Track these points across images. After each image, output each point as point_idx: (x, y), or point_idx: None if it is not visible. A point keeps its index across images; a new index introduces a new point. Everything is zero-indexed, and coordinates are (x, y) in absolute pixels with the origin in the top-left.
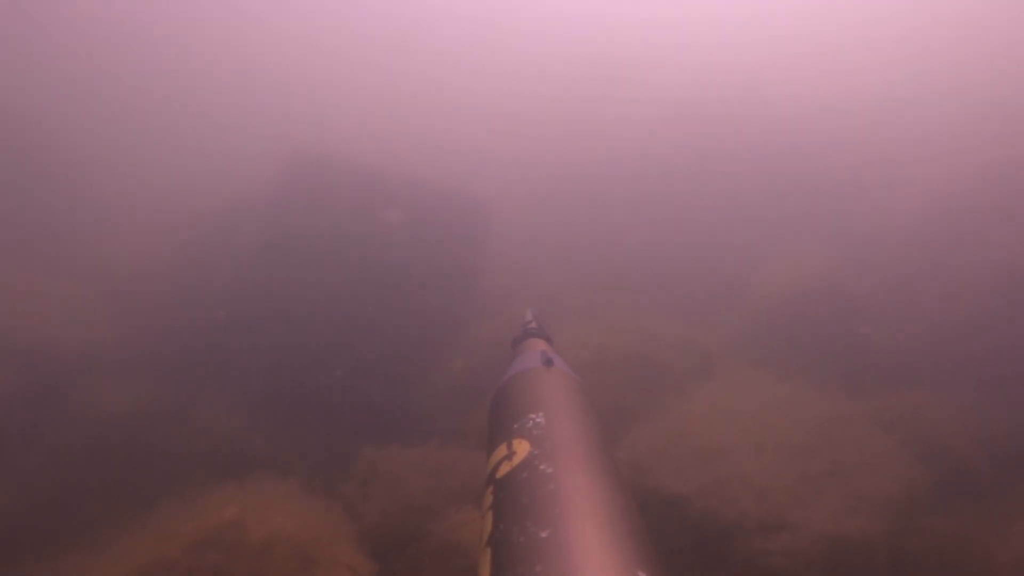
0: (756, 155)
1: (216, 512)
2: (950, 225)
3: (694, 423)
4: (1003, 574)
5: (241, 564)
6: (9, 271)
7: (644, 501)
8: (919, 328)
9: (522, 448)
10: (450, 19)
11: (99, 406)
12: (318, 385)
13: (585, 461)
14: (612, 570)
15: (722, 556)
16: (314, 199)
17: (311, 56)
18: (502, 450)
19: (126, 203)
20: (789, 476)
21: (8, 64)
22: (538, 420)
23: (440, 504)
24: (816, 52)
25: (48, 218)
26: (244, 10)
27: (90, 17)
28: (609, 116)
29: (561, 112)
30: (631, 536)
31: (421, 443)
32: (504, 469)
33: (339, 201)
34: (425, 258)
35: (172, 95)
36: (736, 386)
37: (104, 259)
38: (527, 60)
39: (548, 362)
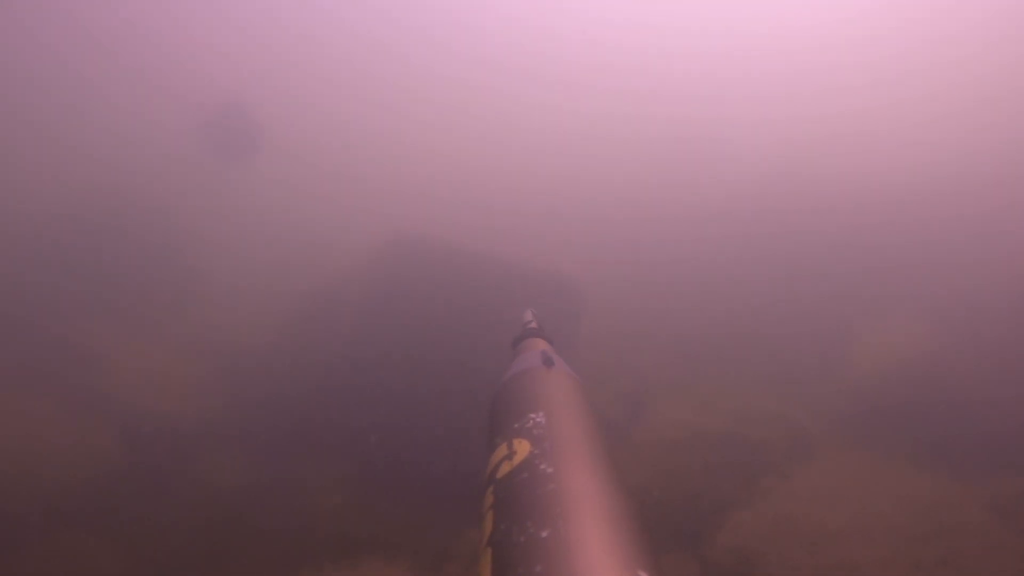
0: (852, 225)
1: None
2: None
3: (798, 507)
4: None
5: None
6: (128, 348)
7: None
8: None
9: (522, 448)
10: (543, 109)
11: (210, 481)
12: (419, 463)
13: (586, 461)
14: (613, 570)
15: None
16: (413, 277)
17: (416, 133)
18: (502, 450)
19: (233, 279)
20: (903, 565)
21: (128, 144)
22: (539, 420)
23: None
24: (914, 118)
25: (161, 295)
26: (346, 84)
27: (198, 102)
28: (699, 183)
29: (647, 180)
30: (632, 536)
31: None
32: (504, 469)
33: (437, 279)
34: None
35: (279, 175)
36: (838, 467)
37: (214, 334)
38: (618, 139)
39: (548, 362)
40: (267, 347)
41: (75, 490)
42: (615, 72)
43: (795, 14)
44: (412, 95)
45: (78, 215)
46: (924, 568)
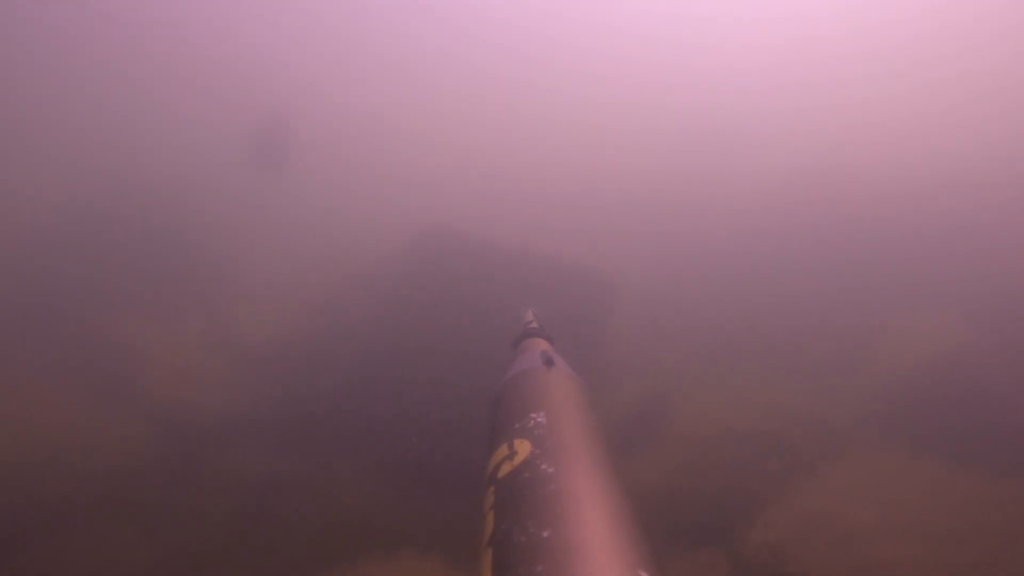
0: (883, 218)
1: None
2: None
3: (831, 505)
4: None
5: None
6: (159, 341)
7: None
8: None
9: (523, 448)
10: (575, 101)
11: (239, 472)
12: (445, 454)
13: (587, 461)
14: (614, 569)
15: None
16: (438, 271)
17: (442, 127)
18: (503, 450)
19: (258, 274)
20: (940, 565)
21: (159, 142)
22: (539, 420)
23: None
24: (950, 109)
25: (190, 289)
26: (371, 78)
27: (221, 98)
28: (729, 176)
29: (677, 173)
30: (632, 535)
31: None
32: (505, 469)
33: (462, 273)
34: (550, 329)
35: (306, 170)
36: (870, 464)
37: (238, 328)
38: (648, 131)
39: (549, 362)
40: (296, 339)
41: (107, 479)
42: (645, 64)
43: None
44: (439, 89)
45: (110, 212)
46: (959, 568)
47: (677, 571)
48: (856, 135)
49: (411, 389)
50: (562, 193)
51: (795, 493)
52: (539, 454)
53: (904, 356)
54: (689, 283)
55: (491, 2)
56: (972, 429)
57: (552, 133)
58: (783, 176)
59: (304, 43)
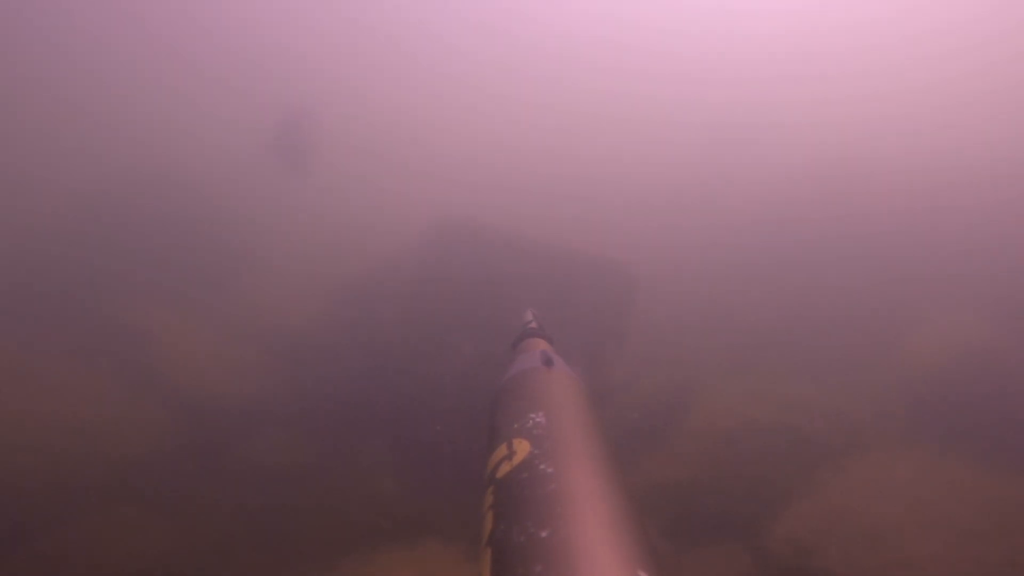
0: (910, 211)
1: None
2: None
3: (854, 500)
4: None
5: None
6: (180, 329)
7: None
8: None
9: (522, 448)
10: (598, 96)
11: (260, 460)
12: (466, 444)
13: (586, 461)
14: (613, 570)
15: None
16: (460, 263)
17: (463, 119)
18: (502, 450)
19: (282, 263)
20: (964, 563)
21: (182, 132)
22: (538, 420)
23: None
24: (976, 103)
25: (212, 277)
26: (390, 70)
27: (242, 91)
28: (752, 169)
29: (698, 166)
30: (632, 535)
31: None
32: (504, 469)
33: (483, 265)
34: (570, 322)
35: (328, 161)
36: (895, 461)
37: (258, 314)
38: (670, 125)
39: (548, 362)
40: (317, 328)
41: (129, 466)
42: (672, 57)
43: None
44: (459, 82)
45: (134, 204)
46: (990, 566)
47: (699, 566)
48: (881, 128)
49: (432, 378)
50: (584, 186)
51: (819, 488)
52: (538, 454)
53: (930, 352)
54: (712, 276)
55: None
56: (998, 426)
57: (575, 127)
58: (808, 169)
59: (324, 36)
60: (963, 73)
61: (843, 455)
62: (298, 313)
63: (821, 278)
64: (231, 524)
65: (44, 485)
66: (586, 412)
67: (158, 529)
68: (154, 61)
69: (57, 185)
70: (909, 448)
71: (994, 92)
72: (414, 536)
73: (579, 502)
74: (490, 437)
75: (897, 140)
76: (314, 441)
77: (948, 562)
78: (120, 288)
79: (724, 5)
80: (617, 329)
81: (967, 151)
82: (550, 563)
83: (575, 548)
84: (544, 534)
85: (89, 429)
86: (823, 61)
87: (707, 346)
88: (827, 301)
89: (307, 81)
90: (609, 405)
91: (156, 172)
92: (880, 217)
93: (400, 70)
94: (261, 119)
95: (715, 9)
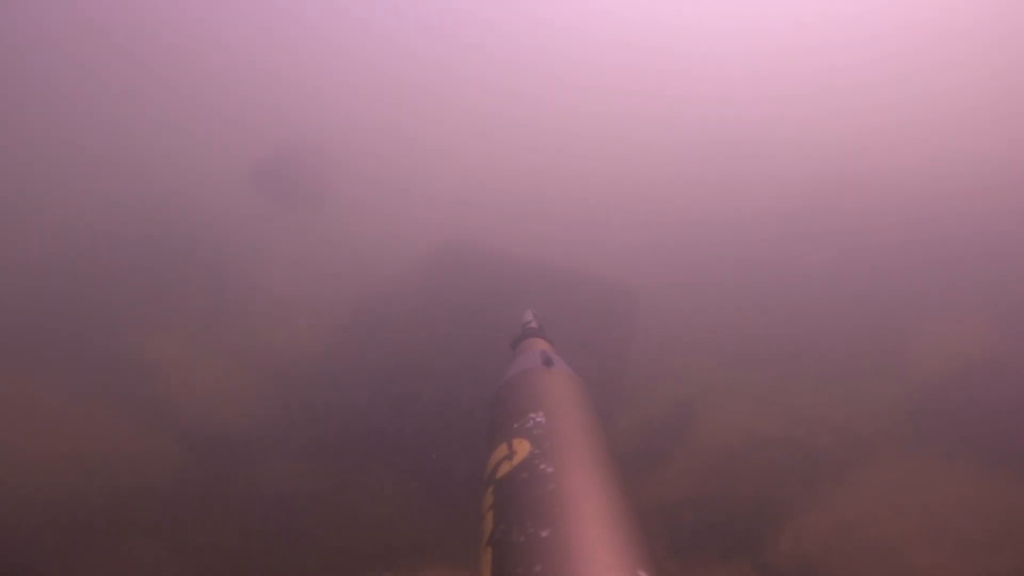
0: (910, 221)
1: None
2: None
3: (861, 515)
4: None
5: None
6: (185, 358)
7: None
8: None
9: (522, 448)
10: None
11: (267, 489)
12: (469, 468)
13: (585, 461)
14: (613, 569)
15: None
16: (461, 286)
17: (457, 140)
18: (502, 450)
19: (282, 289)
20: (972, 574)
21: (181, 159)
22: (538, 420)
23: None
24: (977, 112)
25: (215, 305)
26: (382, 92)
27: (241, 118)
28: (750, 182)
29: (696, 181)
30: (631, 535)
31: None
32: (504, 469)
33: (485, 286)
34: (575, 338)
35: (328, 186)
36: (901, 472)
37: (263, 342)
38: (664, 142)
39: (548, 362)
40: (321, 355)
41: (139, 498)
42: (666, 73)
43: (836, 11)
44: (450, 103)
45: (135, 230)
46: None
47: None
48: (881, 138)
49: (437, 402)
50: (583, 205)
51: (824, 501)
52: (538, 454)
53: (934, 361)
54: (713, 290)
55: (505, 17)
56: (1004, 435)
57: (571, 145)
58: (808, 181)
59: (322, 62)
60: (967, 82)
61: (848, 468)
62: (305, 340)
63: (825, 290)
64: (238, 552)
65: (53, 520)
66: (586, 412)
67: (169, 560)
68: (158, 90)
69: (64, 219)
70: (915, 459)
71: (997, 102)
72: (421, 561)
73: (579, 502)
74: (490, 437)
75: (898, 151)
76: (323, 468)
77: (955, 573)
78: (126, 319)
79: (723, 24)
80: (620, 346)
81: (970, 160)
82: (550, 563)
83: (575, 548)
84: (544, 533)
85: (97, 462)
86: (824, 75)
87: (711, 362)
88: (831, 313)
89: (309, 108)
90: (613, 422)
91: (158, 202)
92: (882, 228)
93: (398, 94)
94: (263, 146)
95: (717, 25)
